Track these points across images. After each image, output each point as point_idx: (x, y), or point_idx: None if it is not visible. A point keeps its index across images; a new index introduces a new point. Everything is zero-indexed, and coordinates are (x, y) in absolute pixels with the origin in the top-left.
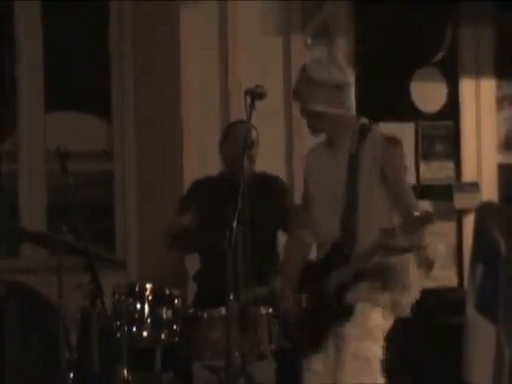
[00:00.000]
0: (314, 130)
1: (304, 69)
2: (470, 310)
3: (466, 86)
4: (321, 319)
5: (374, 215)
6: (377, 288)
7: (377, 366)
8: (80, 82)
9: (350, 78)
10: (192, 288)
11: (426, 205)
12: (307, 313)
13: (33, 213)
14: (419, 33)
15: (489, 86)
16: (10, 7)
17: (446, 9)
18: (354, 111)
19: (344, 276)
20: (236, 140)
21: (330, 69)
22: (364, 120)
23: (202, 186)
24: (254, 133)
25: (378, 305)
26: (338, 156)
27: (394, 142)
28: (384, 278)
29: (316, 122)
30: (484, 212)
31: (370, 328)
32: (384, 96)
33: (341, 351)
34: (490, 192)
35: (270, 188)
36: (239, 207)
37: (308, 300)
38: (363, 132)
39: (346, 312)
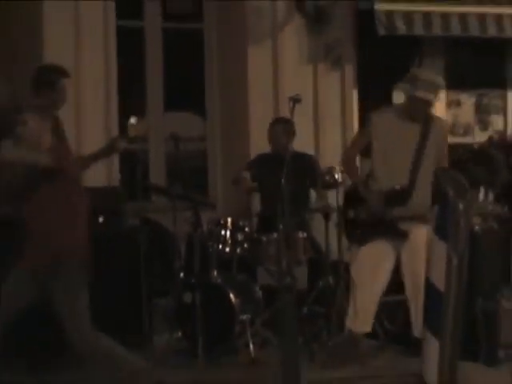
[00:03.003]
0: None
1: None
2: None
3: None
4: (379, 228)
5: (428, 174)
6: (420, 221)
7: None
8: (183, 88)
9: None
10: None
11: None
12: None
13: (158, 174)
14: (399, 64)
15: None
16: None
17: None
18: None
19: (402, 210)
20: (281, 131)
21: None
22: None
23: (261, 157)
24: (292, 127)
25: (425, 226)
26: (412, 128)
27: (447, 129)
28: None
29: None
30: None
31: (421, 241)
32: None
33: (404, 252)
34: None
35: (302, 161)
36: (285, 171)
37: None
38: (430, 119)
39: (403, 233)
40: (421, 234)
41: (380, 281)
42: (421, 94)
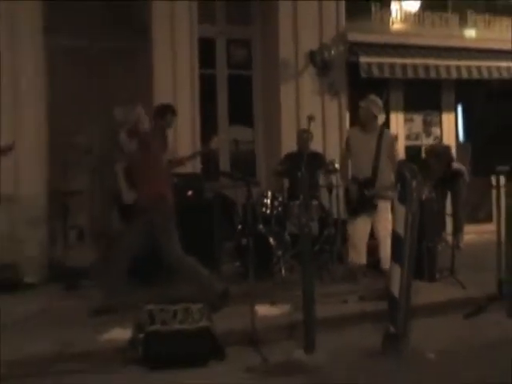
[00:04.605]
0: (367, 122)
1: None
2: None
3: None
4: (361, 206)
5: (384, 167)
6: (385, 195)
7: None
8: (240, 111)
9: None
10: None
11: None
12: (357, 201)
13: (225, 165)
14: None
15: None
16: None
17: (384, 85)
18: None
19: (372, 191)
20: (303, 137)
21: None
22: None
23: (291, 155)
24: (309, 135)
25: (386, 201)
26: (371, 135)
27: (393, 136)
28: (386, 191)
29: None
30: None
31: (387, 209)
32: None
33: (375, 217)
34: None
35: (315, 156)
36: (304, 163)
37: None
38: (382, 128)
39: (374, 205)
40: (384, 206)
41: (365, 234)
42: (371, 107)
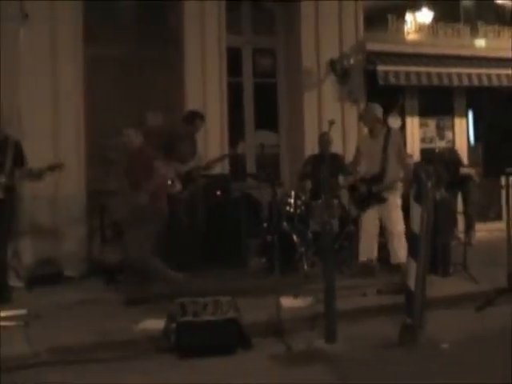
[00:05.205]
0: (372, 127)
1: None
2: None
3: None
4: (368, 201)
5: (392, 165)
6: (393, 189)
7: (400, 220)
8: (266, 117)
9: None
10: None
11: None
12: (364, 197)
13: (251, 167)
14: (391, 101)
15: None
16: None
17: (400, 92)
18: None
19: (380, 187)
20: (324, 140)
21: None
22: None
23: (313, 157)
24: (329, 137)
25: (395, 195)
26: (377, 140)
27: (399, 133)
28: (394, 185)
29: (374, 123)
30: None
31: (396, 205)
32: None
33: (385, 214)
34: None
35: (335, 158)
36: (326, 164)
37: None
38: (389, 130)
39: (383, 199)
40: (392, 199)
41: (375, 229)
42: (371, 112)
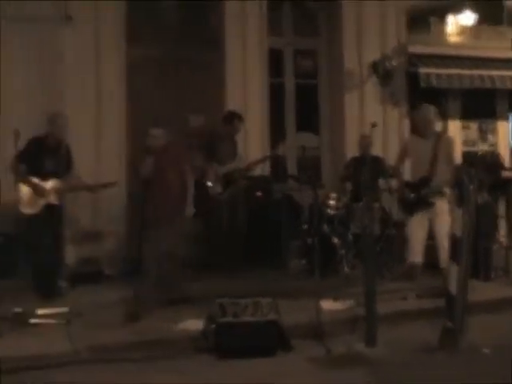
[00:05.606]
0: (424, 128)
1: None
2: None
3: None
4: (416, 205)
5: (441, 167)
6: (440, 193)
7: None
8: (307, 119)
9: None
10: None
11: None
12: (412, 201)
13: (292, 169)
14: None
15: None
16: None
17: (442, 94)
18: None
19: (427, 190)
20: (364, 143)
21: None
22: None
23: (354, 159)
24: (370, 140)
25: (443, 198)
26: (429, 141)
27: (451, 139)
28: (441, 187)
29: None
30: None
31: (445, 210)
32: None
33: (434, 218)
34: None
35: (376, 160)
36: (367, 167)
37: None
38: (441, 133)
39: (430, 204)
40: (442, 206)
41: (421, 233)
42: (425, 113)
